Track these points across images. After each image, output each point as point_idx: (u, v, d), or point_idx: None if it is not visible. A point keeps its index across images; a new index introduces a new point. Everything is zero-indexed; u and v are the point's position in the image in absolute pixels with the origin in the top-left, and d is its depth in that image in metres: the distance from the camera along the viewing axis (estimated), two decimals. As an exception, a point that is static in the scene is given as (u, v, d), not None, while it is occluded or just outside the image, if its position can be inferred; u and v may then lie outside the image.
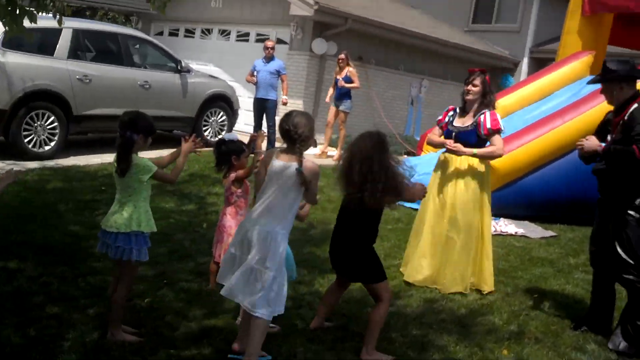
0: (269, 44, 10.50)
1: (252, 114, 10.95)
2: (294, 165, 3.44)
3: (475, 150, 4.96)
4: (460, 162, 5.02)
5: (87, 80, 9.07)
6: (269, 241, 3.43)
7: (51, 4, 5.18)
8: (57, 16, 5.30)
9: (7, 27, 4.80)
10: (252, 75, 10.56)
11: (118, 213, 3.62)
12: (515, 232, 7.10)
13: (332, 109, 11.00)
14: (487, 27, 17.49)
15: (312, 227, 6.50)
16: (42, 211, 6.08)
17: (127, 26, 17.32)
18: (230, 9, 14.29)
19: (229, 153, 4.45)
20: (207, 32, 15.18)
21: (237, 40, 14.38)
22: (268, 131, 10.58)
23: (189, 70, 10.68)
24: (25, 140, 8.51)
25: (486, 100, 5.00)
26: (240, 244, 3.53)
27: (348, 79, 10.70)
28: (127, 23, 17.72)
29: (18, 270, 4.60)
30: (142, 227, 3.59)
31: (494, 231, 6.95)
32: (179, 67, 10.48)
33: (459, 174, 5.02)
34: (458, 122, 5.06)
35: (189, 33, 15.62)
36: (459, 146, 4.93)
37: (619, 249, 4.10)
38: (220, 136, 4.32)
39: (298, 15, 12.34)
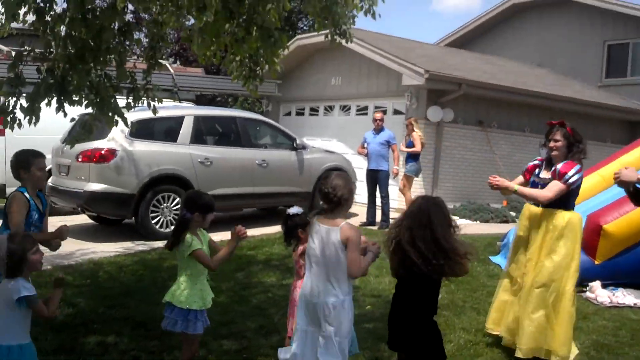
0: (377, 116, 10.69)
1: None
2: (337, 228, 3.47)
3: (516, 187, 4.73)
4: (544, 216, 4.74)
5: (208, 163, 9.72)
6: (337, 311, 3.46)
7: (144, 95, 5.64)
8: (152, 106, 5.77)
9: (106, 122, 5.36)
10: (362, 147, 10.75)
11: (173, 288, 3.82)
12: (635, 304, 6.35)
13: (402, 174, 11.16)
14: (622, 80, 16.55)
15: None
16: (150, 288, 6.47)
17: (259, 110, 18.49)
18: (348, 85, 14.79)
19: (295, 227, 4.51)
20: (329, 109, 15.75)
21: (357, 114, 14.76)
22: (381, 202, 10.61)
23: (304, 147, 11.09)
24: (153, 222, 9.21)
25: (572, 152, 4.72)
26: (307, 318, 3.57)
27: (410, 144, 10.92)
28: (259, 106, 18.91)
29: (114, 344, 4.91)
30: (190, 305, 3.74)
31: (609, 303, 6.31)
32: (294, 145, 10.92)
33: (542, 227, 4.74)
34: (544, 174, 4.82)
35: (314, 111, 16.29)
36: (501, 180, 4.71)
37: None
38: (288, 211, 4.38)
39: (411, 85, 12.47)
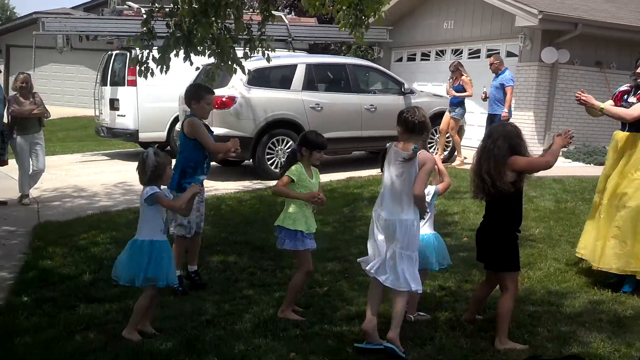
0: (490, 60, 10.68)
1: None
2: (410, 153, 3.81)
3: (602, 105, 4.93)
4: (629, 139, 4.91)
5: (319, 108, 10.28)
6: (402, 228, 3.84)
7: (259, 45, 6.21)
8: (266, 55, 6.34)
9: (226, 70, 6.01)
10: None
11: (283, 214, 4.36)
12: None
13: (447, 116, 11.06)
14: None
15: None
16: (266, 219, 7.18)
17: (371, 57, 18.71)
18: (461, 28, 14.68)
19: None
20: (440, 53, 15.73)
21: (469, 58, 14.64)
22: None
23: (412, 92, 11.35)
24: (269, 163, 9.99)
25: None
26: (378, 230, 3.96)
27: (459, 88, 10.89)
28: (371, 54, 19.13)
29: (234, 263, 5.67)
30: (285, 224, 4.27)
31: None
32: (402, 89, 11.21)
33: (627, 151, 4.91)
34: (632, 99, 4.99)
35: (425, 56, 16.33)
36: (589, 97, 4.91)
37: None
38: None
39: (525, 27, 12.23)
